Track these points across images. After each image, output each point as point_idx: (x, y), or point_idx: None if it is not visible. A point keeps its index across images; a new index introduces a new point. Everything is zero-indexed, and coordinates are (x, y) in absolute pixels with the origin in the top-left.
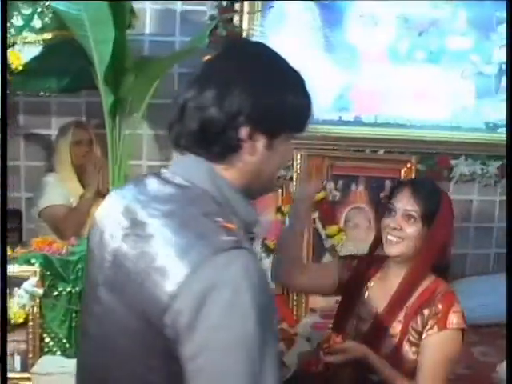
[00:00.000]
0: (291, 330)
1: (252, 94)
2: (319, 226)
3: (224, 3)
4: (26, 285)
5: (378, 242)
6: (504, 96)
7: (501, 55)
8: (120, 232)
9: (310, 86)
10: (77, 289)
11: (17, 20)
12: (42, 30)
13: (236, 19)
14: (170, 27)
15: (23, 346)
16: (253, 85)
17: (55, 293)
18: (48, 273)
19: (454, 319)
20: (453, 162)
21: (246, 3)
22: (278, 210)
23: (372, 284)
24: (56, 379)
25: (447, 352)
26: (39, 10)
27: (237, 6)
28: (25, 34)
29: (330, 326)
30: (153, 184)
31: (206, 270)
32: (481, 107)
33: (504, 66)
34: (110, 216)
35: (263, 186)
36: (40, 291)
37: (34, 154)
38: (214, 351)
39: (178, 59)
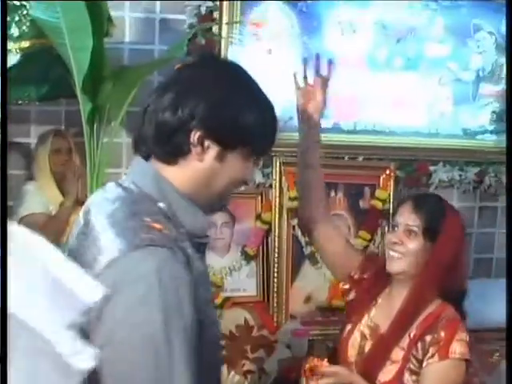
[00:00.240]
0: (271, 337)
1: (208, 101)
2: (298, 232)
3: (203, 11)
4: None
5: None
6: (482, 102)
7: (478, 62)
8: (76, 231)
9: (289, 93)
10: None
11: None
12: (20, 38)
13: (215, 28)
14: (150, 36)
15: None
16: (211, 93)
17: None
18: None
19: (456, 348)
20: (431, 168)
21: (224, 12)
22: (258, 217)
23: (380, 301)
24: None
25: (448, 383)
26: (17, 18)
27: (215, 14)
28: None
29: (312, 332)
30: (109, 187)
31: (119, 264)
32: (459, 114)
33: (481, 73)
34: (77, 218)
35: (212, 200)
36: None
37: (13, 162)
38: (118, 345)
39: (156, 67)
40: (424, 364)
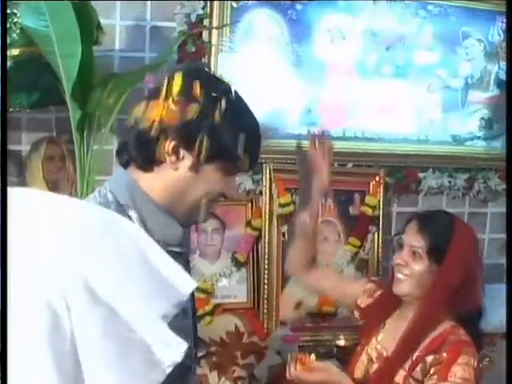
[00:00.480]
0: (262, 343)
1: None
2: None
3: (193, 19)
4: None
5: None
6: (471, 109)
7: (466, 69)
8: None
9: (279, 100)
10: None
11: None
12: (10, 46)
13: (205, 35)
14: (140, 43)
15: None
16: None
17: None
18: None
19: (458, 372)
20: (421, 174)
21: (214, 19)
22: (248, 223)
23: (388, 324)
24: None
25: None
26: (7, 26)
27: (206, 22)
28: None
29: (302, 339)
30: (93, 194)
31: None
32: (448, 120)
33: (470, 80)
34: None
35: (189, 210)
36: None
37: None
38: None
39: (143, 74)
40: None
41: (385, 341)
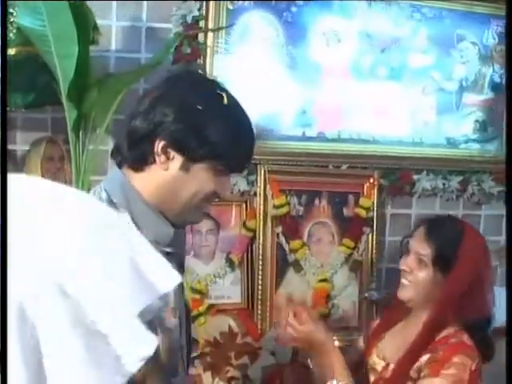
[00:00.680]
0: (256, 344)
1: (176, 111)
2: (283, 240)
3: (189, 20)
4: None
5: None
6: (465, 112)
7: (461, 72)
8: None
9: (274, 101)
10: None
11: None
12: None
13: (201, 37)
14: (136, 44)
15: None
16: (181, 105)
17: None
18: None
19: (451, 369)
20: (415, 176)
21: (210, 21)
22: (243, 224)
23: (388, 334)
24: None
25: None
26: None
27: (201, 23)
28: None
29: None
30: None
31: None
32: (442, 123)
33: (465, 83)
34: None
35: (181, 211)
36: None
37: None
38: None
39: (140, 74)
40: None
41: (387, 350)
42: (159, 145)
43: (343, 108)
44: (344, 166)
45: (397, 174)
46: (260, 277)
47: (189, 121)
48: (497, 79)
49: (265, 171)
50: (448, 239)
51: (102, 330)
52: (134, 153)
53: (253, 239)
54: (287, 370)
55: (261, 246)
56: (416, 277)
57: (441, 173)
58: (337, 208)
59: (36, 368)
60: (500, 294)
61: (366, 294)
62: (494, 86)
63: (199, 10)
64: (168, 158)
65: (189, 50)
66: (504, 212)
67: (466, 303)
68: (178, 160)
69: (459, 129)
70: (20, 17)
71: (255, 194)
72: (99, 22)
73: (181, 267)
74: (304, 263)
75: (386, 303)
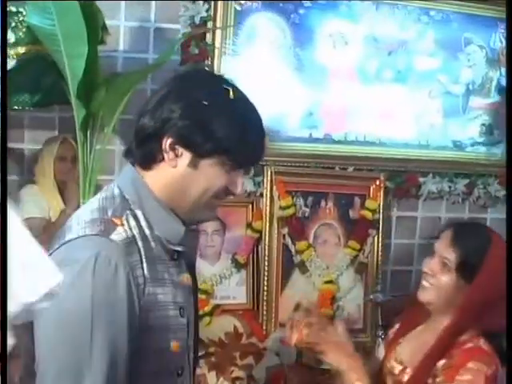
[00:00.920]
0: (260, 345)
1: (184, 108)
2: (288, 241)
3: (197, 21)
4: None
5: None
6: (472, 115)
7: (468, 75)
8: None
9: (281, 103)
10: None
11: None
12: (16, 44)
13: (208, 37)
14: (144, 44)
15: None
16: (188, 101)
17: None
18: None
19: (466, 375)
20: (421, 179)
21: (218, 21)
22: (249, 225)
23: (407, 337)
24: None
25: None
26: (13, 24)
27: (209, 24)
28: None
29: None
30: (103, 189)
31: (62, 249)
32: (448, 126)
33: (471, 86)
34: None
35: (192, 208)
36: None
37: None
38: (45, 321)
39: (147, 73)
40: None
41: (405, 353)
42: (167, 142)
43: (350, 110)
44: (350, 168)
45: (403, 177)
46: (265, 278)
47: (195, 116)
48: (504, 83)
49: (271, 172)
50: (474, 246)
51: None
52: (143, 151)
53: (259, 240)
54: (292, 370)
55: (267, 247)
56: (438, 280)
57: (447, 175)
58: (343, 210)
59: None
60: None
61: (372, 296)
62: (501, 90)
63: (207, 11)
64: (176, 155)
65: (196, 51)
66: None
67: (487, 311)
68: (186, 157)
69: (465, 132)
70: (29, 16)
71: (261, 195)
72: (108, 22)
73: (192, 267)
74: (310, 265)
75: (391, 305)
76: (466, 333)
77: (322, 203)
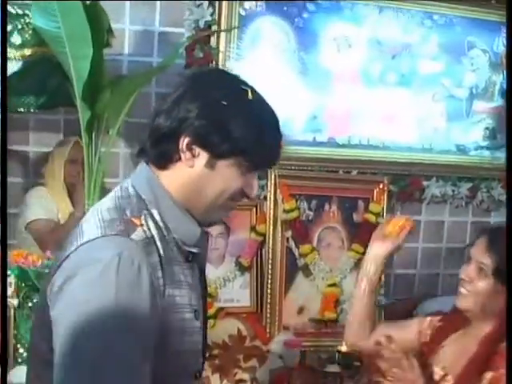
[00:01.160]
0: (264, 347)
1: (201, 107)
2: (292, 244)
3: (201, 25)
4: None
5: None
6: (475, 119)
7: (471, 79)
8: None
9: (285, 107)
10: None
11: None
12: (22, 46)
13: (213, 41)
14: (148, 48)
15: None
16: (206, 101)
17: (30, 304)
18: (23, 284)
19: None
20: (424, 183)
21: (222, 25)
22: (253, 229)
23: (449, 343)
24: None
25: None
26: (19, 26)
27: (214, 28)
28: None
29: (304, 344)
30: (116, 189)
31: (84, 248)
32: (452, 130)
33: (475, 90)
34: None
35: (207, 210)
36: (15, 301)
37: (11, 170)
38: (71, 321)
39: (152, 75)
40: None
41: (446, 360)
42: (184, 141)
43: (353, 114)
44: (354, 172)
45: (406, 180)
46: (269, 281)
47: (213, 116)
48: None
49: (275, 176)
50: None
51: None
52: (159, 150)
53: (262, 243)
54: (295, 373)
55: (270, 251)
56: (475, 286)
57: (450, 179)
58: (346, 213)
59: None
60: None
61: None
62: (504, 94)
63: (211, 15)
64: (193, 155)
65: (201, 55)
66: None
67: None
68: (203, 157)
69: (469, 136)
70: (34, 18)
71: (265, 198)
72: (113, 25)
73: (203, 270)
74: (313, 268)
75: (394, 309)
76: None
77: (326, 206)
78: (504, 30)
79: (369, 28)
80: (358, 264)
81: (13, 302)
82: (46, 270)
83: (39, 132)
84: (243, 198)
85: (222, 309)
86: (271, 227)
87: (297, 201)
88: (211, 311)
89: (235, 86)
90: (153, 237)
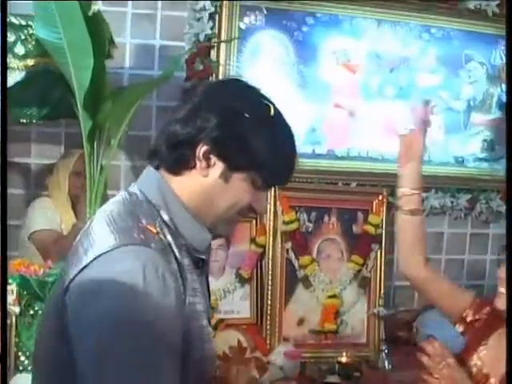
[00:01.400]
0: (264, 359)
1: (220, 117)
2: (292, 256)
3: (201, 38)
4: None
5: None
6: (473, 131)
7: (469, 91)
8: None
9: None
10: None
11: None
12: (25, 56)
13: (213, 54)
14: (149, 61)
15: None
16: (226, 111)
17: (31, 312)
18: (25, 292)
19: None
20: (423, 194)
21: (222, 38)
22: (253, 240)
23: (490, 341)
24: None
25: None
26: (23, 37)
27: (214, 41)
28: (8, 59)
29: (304, 355)
30: (122, 194)
31: (106, 258)
32: (450, 142)
33: (472, 102)
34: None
35: (214, 222)
36: (16, 309)
37: (13, 181)
38: (99, 334)
39: (153, 86)
40: None
41: (486, 358)
42: (201, 149)
43: (352, 126)
44: (353, 184)
45: None
46: (269, 292)
47: (234, 128)
48: (504, 99)
49: (275, 188)
50: None
51: None
52: (175, 155)
53: (262, 255)
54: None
55: (270, 262)
56: None
57: (449, 191)
58: (346, 225)
59: None
60: None
61: (375, 311)
62: (502, 106)
63: (212, 28)
64: (209, 165)
65: (201, 67)
66: None
67: None
68: (218, 167)
69: (467, 148)
70: (37, 29)
71: (265, 210)
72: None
73: (208, 277)
74: (313, 279)
75: (394, 320)
76: None
77: (326, 218)
78: (501, 42)
79: (367, 41)
80: (357, 275)
81: (14, 309)
82: (50, 279)
83: (41, 144)
84: (251, 213)
85: (222, 320)
86: (271, 239)
87: (296, 212)
88: (211, 322)
89: (257, 98)
90: (169, 244)
